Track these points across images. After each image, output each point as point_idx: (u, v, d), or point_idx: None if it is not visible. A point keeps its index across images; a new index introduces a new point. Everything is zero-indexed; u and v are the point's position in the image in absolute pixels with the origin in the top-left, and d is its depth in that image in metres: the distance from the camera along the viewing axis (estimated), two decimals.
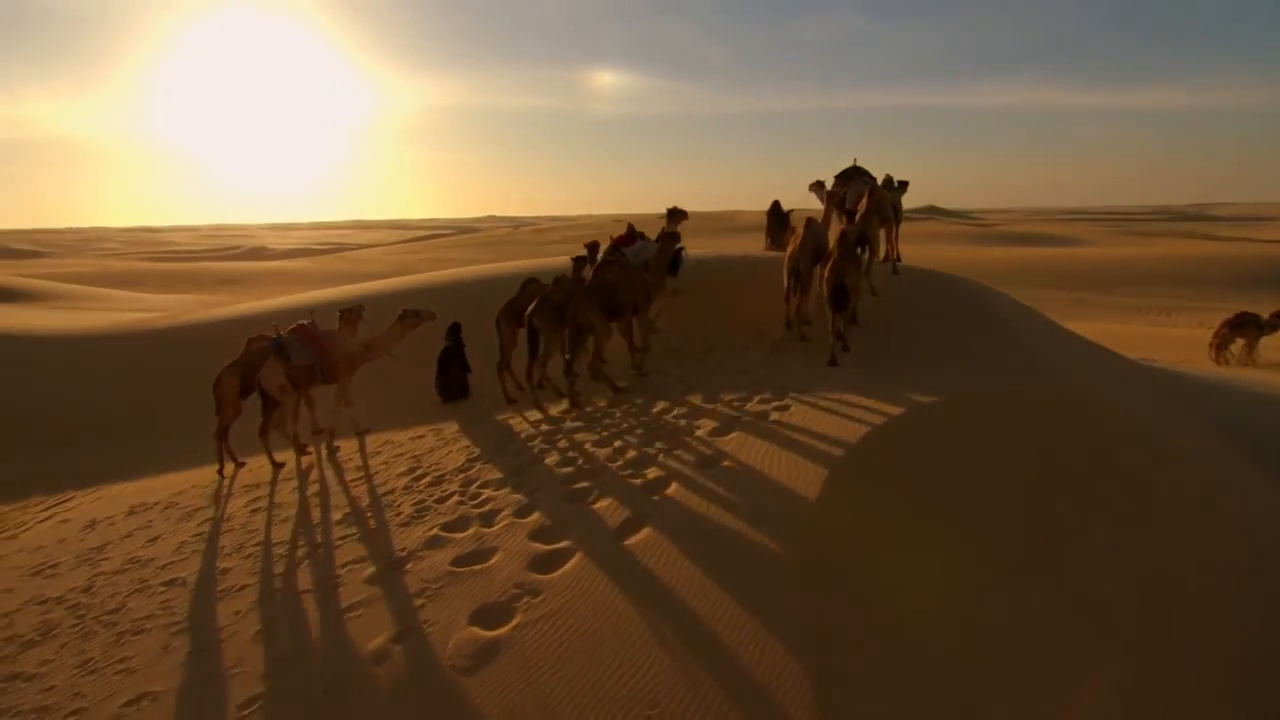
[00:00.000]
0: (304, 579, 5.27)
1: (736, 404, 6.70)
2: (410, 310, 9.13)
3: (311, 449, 8.44)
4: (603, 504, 5.10)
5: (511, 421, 7.73)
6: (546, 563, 4.56)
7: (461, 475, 6.31)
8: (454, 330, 10.08)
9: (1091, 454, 5.89)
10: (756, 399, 6.74)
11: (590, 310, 8.12)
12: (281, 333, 8.34)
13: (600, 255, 9.71)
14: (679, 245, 10.31)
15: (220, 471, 8.38)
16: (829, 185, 11.34)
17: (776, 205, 13.76)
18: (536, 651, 3.79)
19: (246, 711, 3.97)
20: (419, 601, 4.52)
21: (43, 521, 8.13)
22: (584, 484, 5.50)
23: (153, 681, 4.53)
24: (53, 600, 6.02)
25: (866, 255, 10.55)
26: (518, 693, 3.56)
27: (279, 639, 4.63)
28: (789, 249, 9.76)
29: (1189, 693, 4.04)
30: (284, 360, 8.13)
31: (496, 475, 6.11)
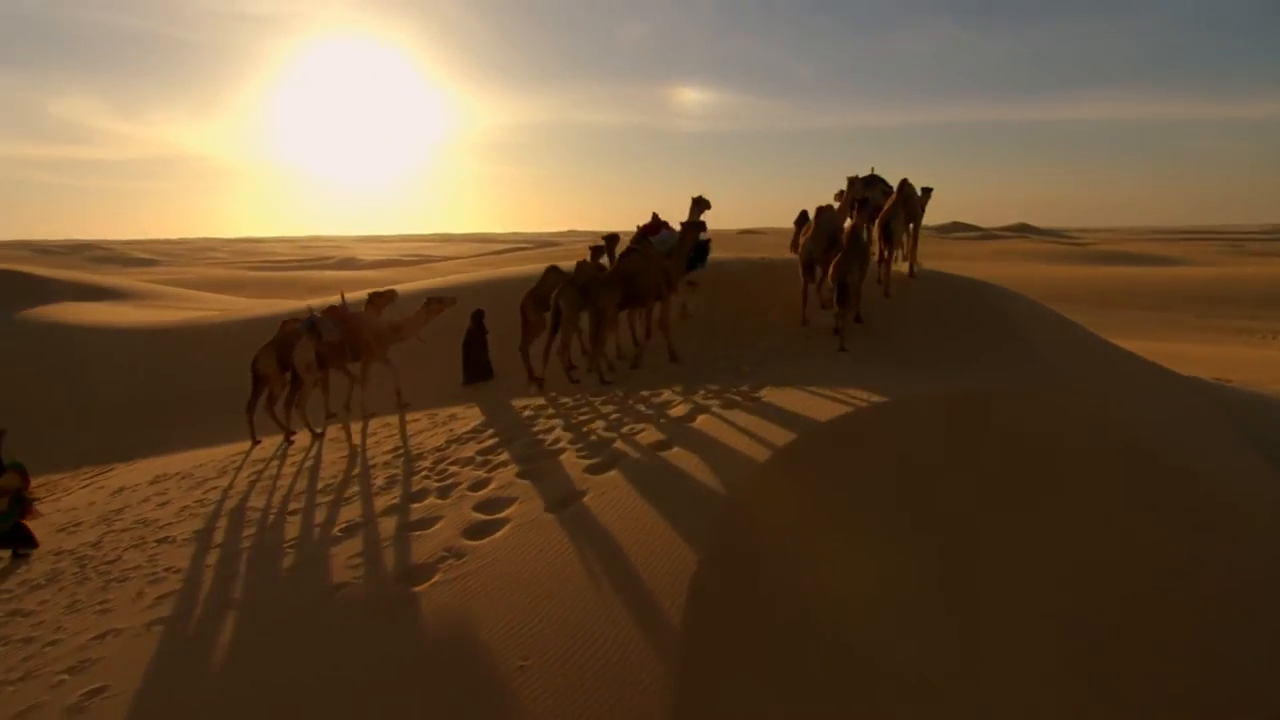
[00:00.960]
0: (272, 539, 5.57)
1: (710, 394, 6.69)
2: (435, 297, 9.62)
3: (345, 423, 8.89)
4: (546, 482, 5.18)
5: (506, 407, 7.91)
6: (479, 531, 4.70)
7: (436, 454, 6.53)
8: (477, 316, 10.48)
9: (1068, 457, 5.63)
10: (732, 391, 6.70)
11: (609, 297, 8.35)
12: (316, 313, 8.91)
13: (626, 244, 9.92)
14: (705, 237, 10.42)
15: (255, 439, 9.01)
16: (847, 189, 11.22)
17: (804, 215, 13.69)
18: (443, 608, 3.91)
19: (187, 643, 4.27)
20: (360, 560, 4.73)
21: (84, 487, 8.86)
22: (540, 463, 5.61)
23: (120, 620, 4.89)
24: (66, 552, 6.58)
25: (887, 252, 10.46)
26: (416, 640, 3.69)
27: (234, 588, 4.93)
28: (803, 239, 9.76)
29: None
30: (315, 338, 8.61)
31: (467, 454, 6.29)
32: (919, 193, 10.85)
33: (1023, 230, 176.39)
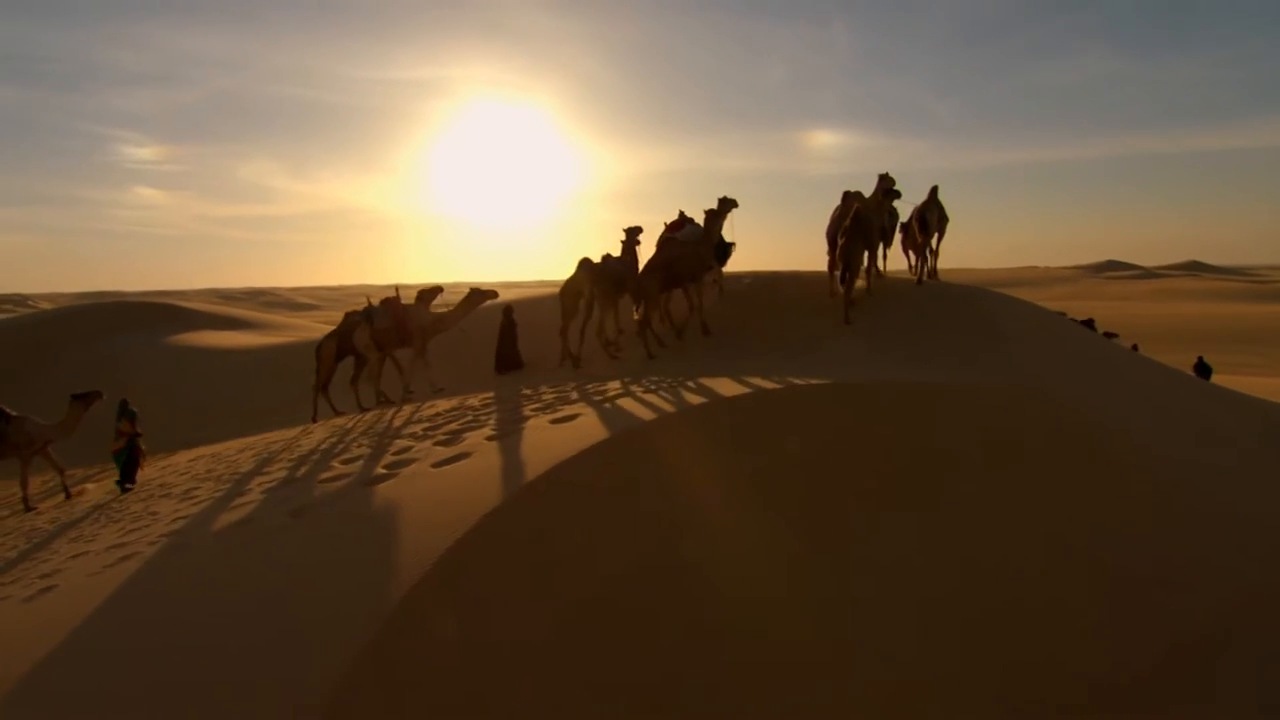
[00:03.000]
0: (254, 493, 6.31)
1: (636, 384, 6.95)
2: (476, 289, 10.65)
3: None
4: (437, 452, 5.59)
5: (493, 395, 8.47)
6: (359, 483, 5.22)
7: (396, 429, 7.24)
8: (507, 311, 11.32)
9: (993, 449, 5.49)
10: (666, 380, 6.94)
11: (652, 281, 9.53)
12: (373, 304, 10.22)
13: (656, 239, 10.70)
14: (730, 241, 10.88)
15: (314, 418, 10.26)
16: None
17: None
18: (296, 540, 4.45)
19: (125, 560, 5.10)
20: (283, 504, 5.40)
21: (192, 460, 10.23)
22: (454, 440, 6.04)
23: (136, 546, 5.72)
24: (132, 498, 7.83)
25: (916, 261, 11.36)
26: (275, 555, 4.28)
27: (211, 527, 5.66)
28: (831, 222, 10.53)
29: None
30: (370, 324, 9.98)
31: (417, 429, 6.95)
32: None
33: (1193, 268, 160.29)
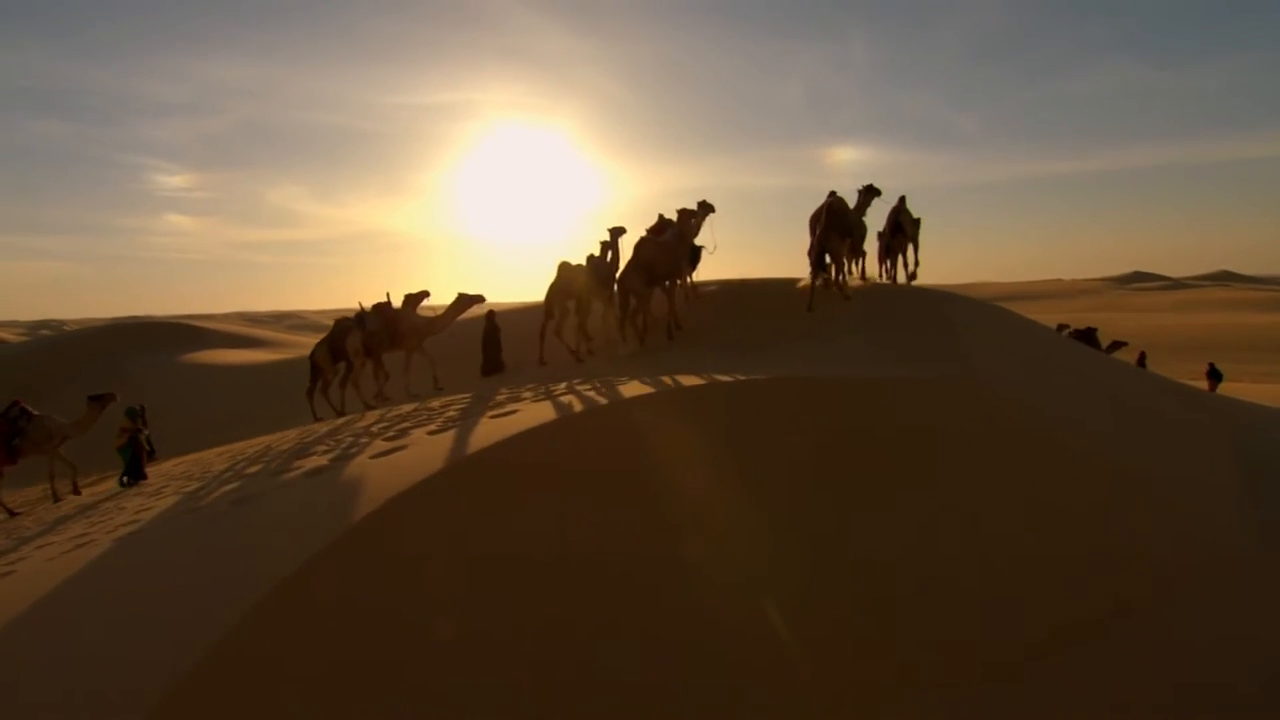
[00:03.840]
0: (212, 487, 6.73)
1: (572, 384, 7.24)
2: (463, 294, 11.06)
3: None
4: (379, 446, 5.92)
5: (459, 396, 8.80)
6: (302, 475, 5.56)
7: (364, 429, 7.58)
8: (490, 317, 11.71)
9: (922, 442, 5.70)
10: (605, 381, 7.22)
11: (636, 278, 9.94)
12: (364, 309, 10.69)
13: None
14: (700, 245, 11.34)
15: (316, 417, 10.69)
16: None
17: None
18: (225, 525, 4.79)
19: (85, 547, 5.47)
20: (230, 495, 5.77)
21: (175, 464, 10.76)
22: (400, 435, 6.37)
23: (95, 535, 6.14)
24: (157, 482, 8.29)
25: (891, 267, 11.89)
26: (203, 539, 4.63)
27: (163, 516, 6.06)
28: (813, 215, 10.76)
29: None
30: (361, 328, 10.40)
31: (371, 427, 7.29)
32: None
33: (1223, 278, 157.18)
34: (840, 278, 10.58)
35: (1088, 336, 18.20)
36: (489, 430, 5.38)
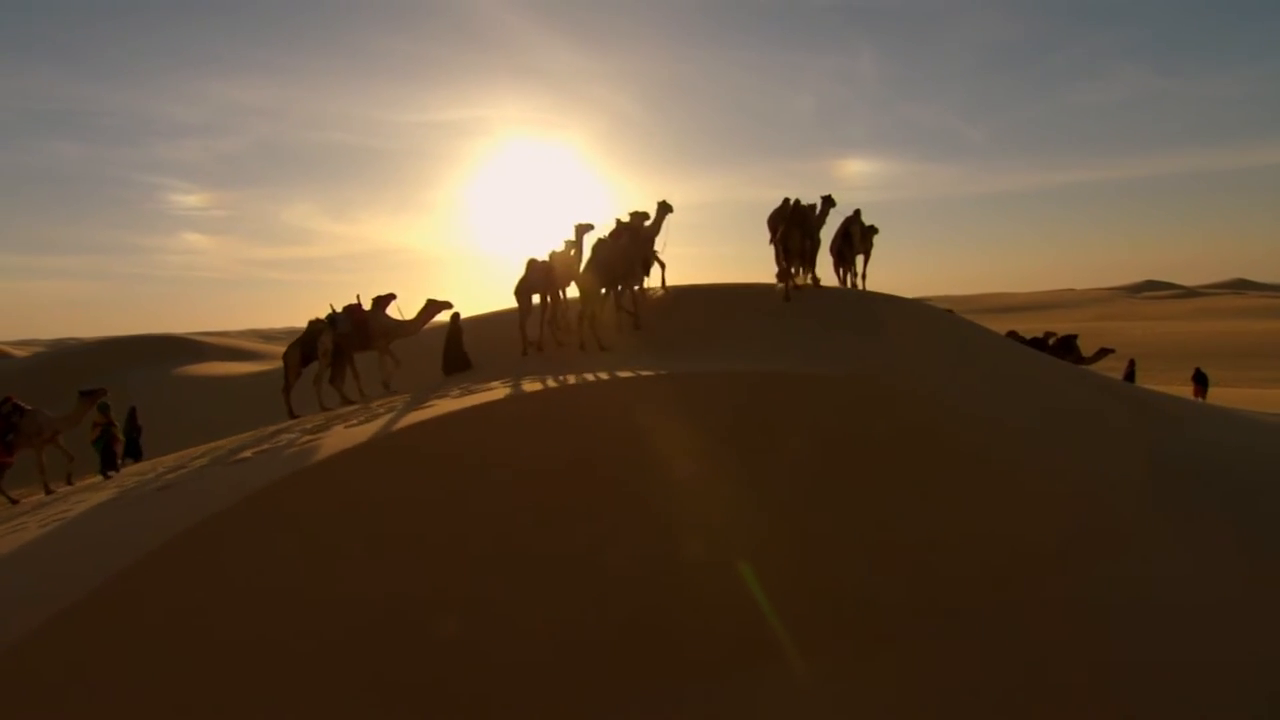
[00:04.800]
0: (149, 478, 7.16)
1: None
2: (432, 300, 11.38)
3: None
4: (303, 439, 6.28)
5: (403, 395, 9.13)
6: (221, 464, 5.91)
7: (311, 428, 7.91)
8: (455, 318, 12.04)
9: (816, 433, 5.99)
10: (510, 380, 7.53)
11: (588, 278, 10.17)
12: (336, 311, 11.09)
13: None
14: (659, 250, 11.66)
15: (291, 414, 10.98)
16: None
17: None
18: (139, 509, 5.13)
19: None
20: (157, 483, 6.10)
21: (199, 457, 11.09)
22: (323, 429, 6.72)
23: (84, 502, 6.49)
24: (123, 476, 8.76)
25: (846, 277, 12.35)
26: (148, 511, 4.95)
27: (95, 503, 6.42)
28: (772, 214, 11.56)
29: None
30: (333, 330, 10.85)
31: (312, 425, 7.61)
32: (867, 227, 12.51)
33: (1239, 286, 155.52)
34: (791, 280, 10.92)
35: (1067, 344, 18.62)
36: (388, 422, 5.76)
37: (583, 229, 11.21)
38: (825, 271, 12.26)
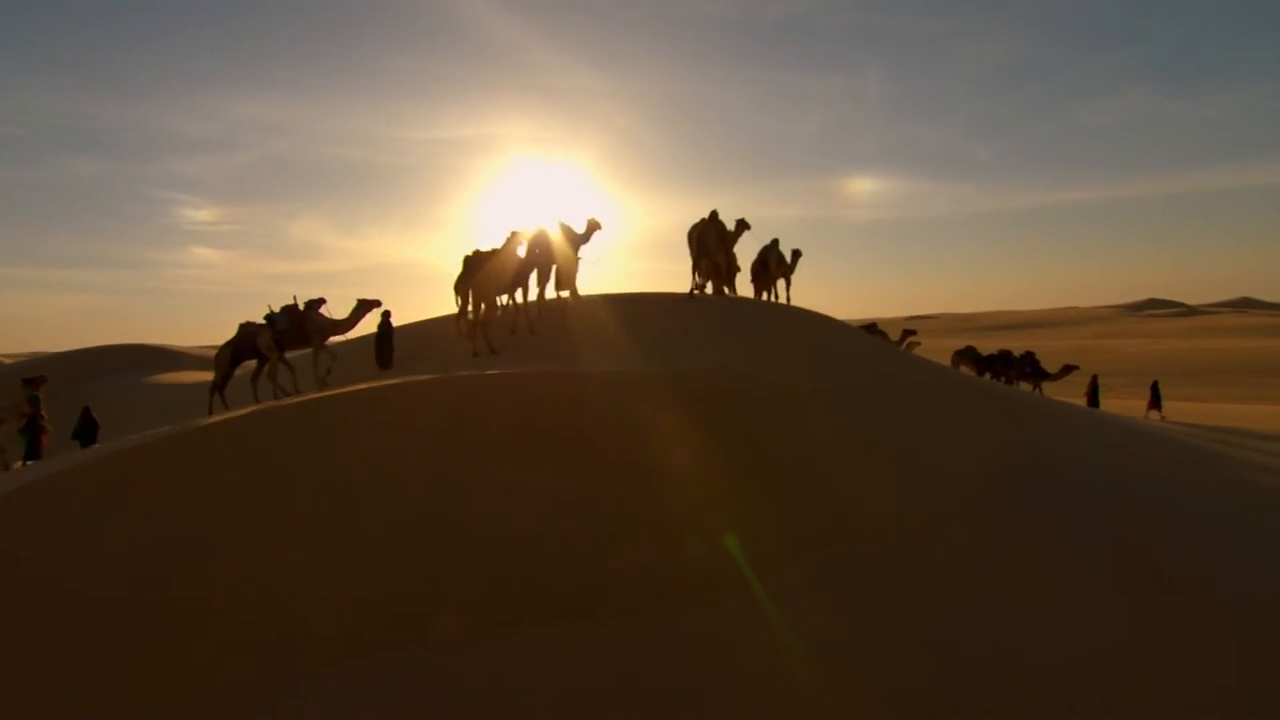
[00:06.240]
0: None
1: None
2: (362, 300, 11.87)
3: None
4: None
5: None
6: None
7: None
8: (385, 315, 12.55)
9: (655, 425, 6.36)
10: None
11: (485, 287, 10.74)
12: (274, 310, 11.54)
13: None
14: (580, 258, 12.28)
15: (210, 413, 11.36)
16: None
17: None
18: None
19: None
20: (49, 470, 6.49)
21: None
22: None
23: None
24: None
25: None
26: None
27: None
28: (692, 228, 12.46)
29: None
30: (271, 327, 11.32)
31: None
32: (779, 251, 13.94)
33: (1243, 305, 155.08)
34: (699, 288, 11.61)
35: (1029, 360, 19.65)
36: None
37: (517, 235, 11.70)
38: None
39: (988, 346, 21.88)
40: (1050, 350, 50.67)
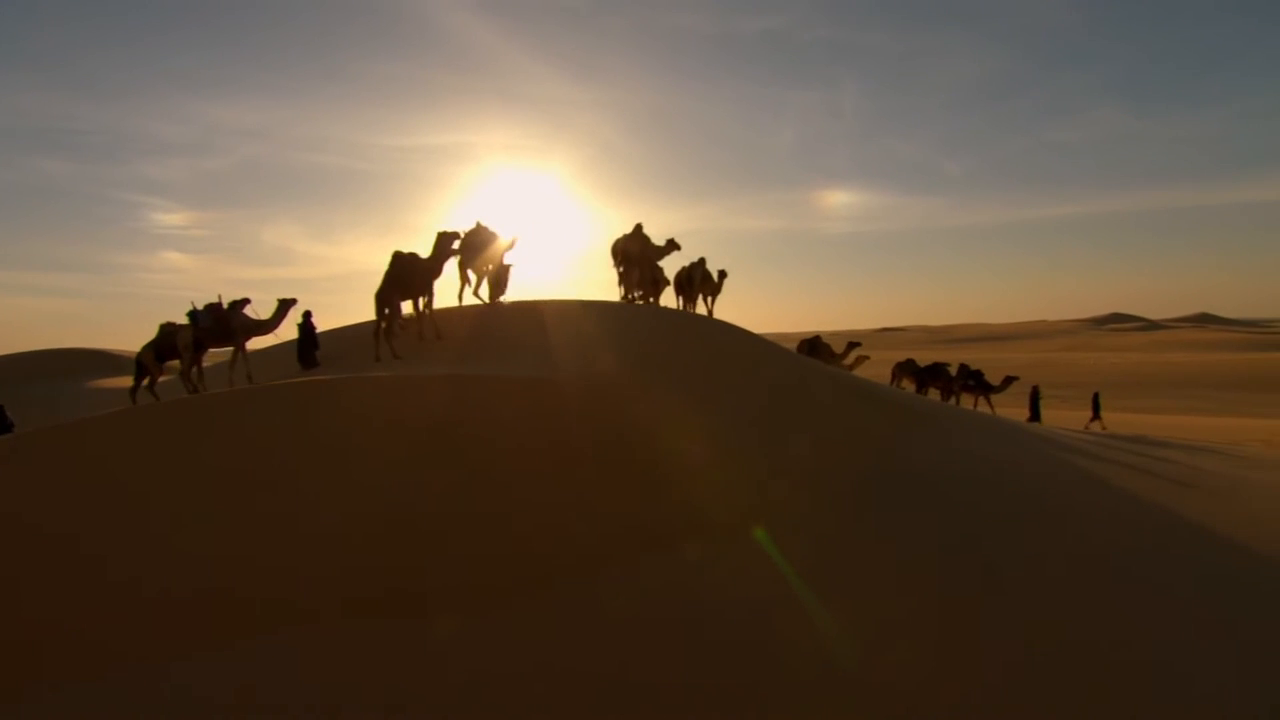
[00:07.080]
0: None
1: None
2: (283, 299, 11.76)
3: None
4: None
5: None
6: None
7: None
8: (306, 315, 12.47)
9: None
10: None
11: (393, 292, 10.88)
12: (197, 308, 11.43)
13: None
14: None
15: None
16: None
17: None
18: None
19: None
20: None
21: None
22: None
23: None
24: None
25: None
26: None
27: None
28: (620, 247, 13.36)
29: None
30: (194, 325, 11.20)
31: None
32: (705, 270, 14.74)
33: (1202, 320, 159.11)
34: (633, 299, 12.79)
35: (971, 373, 20.00)
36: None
37: (448, 237, 11.74)
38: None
39: (960, 359, 22.15)
40: (1017, 363, 51.53)
